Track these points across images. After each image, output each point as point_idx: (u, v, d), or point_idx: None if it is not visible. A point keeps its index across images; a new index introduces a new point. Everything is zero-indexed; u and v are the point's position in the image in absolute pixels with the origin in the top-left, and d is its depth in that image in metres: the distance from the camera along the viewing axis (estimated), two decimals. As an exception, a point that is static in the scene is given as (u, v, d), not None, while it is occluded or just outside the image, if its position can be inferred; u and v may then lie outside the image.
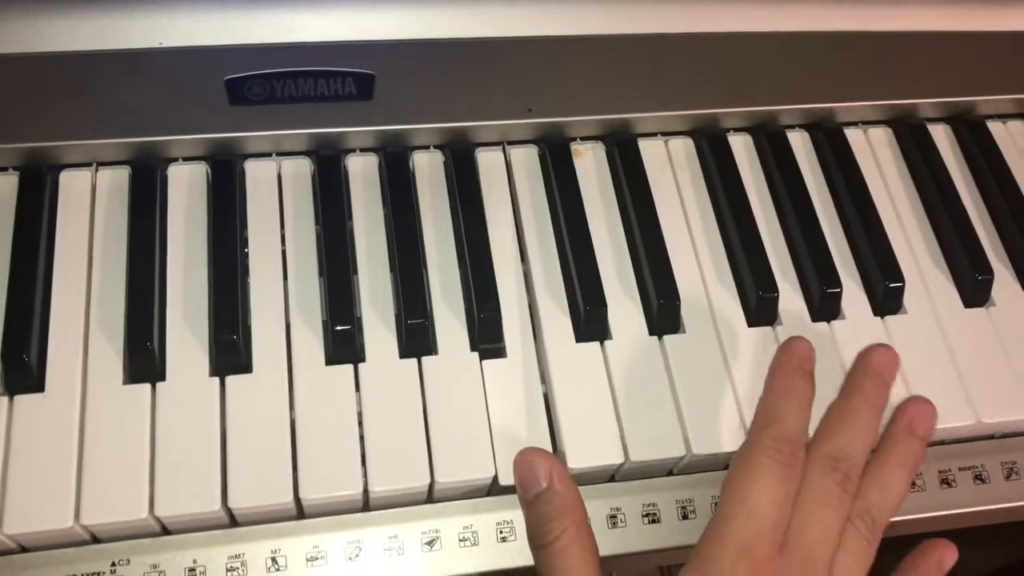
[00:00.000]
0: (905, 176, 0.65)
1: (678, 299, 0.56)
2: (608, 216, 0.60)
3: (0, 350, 0.50)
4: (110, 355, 0.52)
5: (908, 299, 0.59)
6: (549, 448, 0.51)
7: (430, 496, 0.51)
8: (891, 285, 0.58)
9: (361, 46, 0.55)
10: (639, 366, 0.54)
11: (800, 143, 0.65)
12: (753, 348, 0.56)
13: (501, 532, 0.50)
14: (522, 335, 0.55)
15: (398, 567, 0.49)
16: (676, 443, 0.52)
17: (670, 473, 0.53)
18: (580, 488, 0.49)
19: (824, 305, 0.58)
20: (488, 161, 0.61)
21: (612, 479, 0.53)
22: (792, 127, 0.65)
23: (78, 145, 0.56)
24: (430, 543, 0.50)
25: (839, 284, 0.58)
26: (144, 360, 0.51)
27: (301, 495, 0.49)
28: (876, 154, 0.65)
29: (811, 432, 0.49)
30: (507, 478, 0.50)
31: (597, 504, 0.51)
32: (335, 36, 0.55)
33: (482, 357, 0.54)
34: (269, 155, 0.59)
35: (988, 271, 0.59)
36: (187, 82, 0.55)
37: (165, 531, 0.49)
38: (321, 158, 0.59)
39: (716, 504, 0.50)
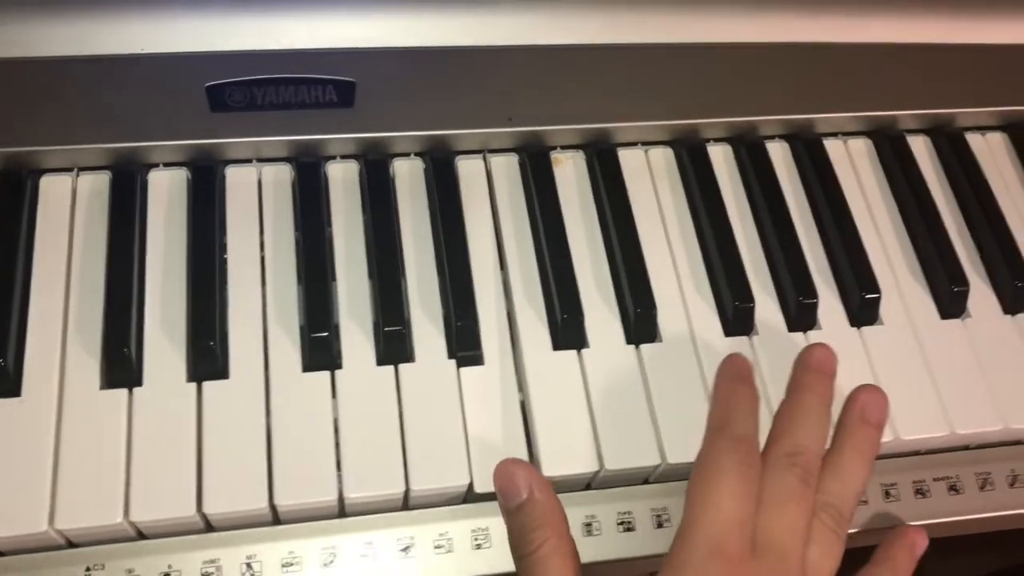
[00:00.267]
0: (884, 187, 0.65)
1: (655, 308, 0.56)
2: (587, 225, 0.60)
3: (-23, 354, 0.50)
4: (87, 360, 0.52)
5: (884, 310, 0.59)
6: (525, 456, 0.52)
7: (406, 503, 0.51)
8: (867, 296, 0.58)
9: (342, 54, 0.55)
10: (616, 375, 0.55)
11: (780, 154, 0.65)
12: (729, 358, 0.56)
13: (476, 539, 0.51)
14: (500, 343, 0.55)
15: (373, 573, 0.49)
16: (651, 452, 0.52)
17: (646, 481, 0.54)
18: (555, 496, 0.49)
19: (800, 315, 0.58)
20: (468, 169, 0.61)
21: (588, 487, 0.53)
22: (772, 138, 0.66)
23: (58, 150, 0.56)
24: (405, 550, 0.50)
25: (815, 295, 0.58)
26: (121, 365, 0.51)
27: (276, 501, 0.49)
28: (855, 165, 0.66)
29: (762, 440, 0.48)
30: (483, 486, 0.50)
31: (572, 512, 0.51)
32: (316, 43, 0.55)
33: (459, 365, 0.54)
34: (249, 161, 0.59)
35: (964, 283, 0.60)
36: (168, 88, 0.55)
37: (141, 536, 0.49)
38: (301, 165, 0.59)
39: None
